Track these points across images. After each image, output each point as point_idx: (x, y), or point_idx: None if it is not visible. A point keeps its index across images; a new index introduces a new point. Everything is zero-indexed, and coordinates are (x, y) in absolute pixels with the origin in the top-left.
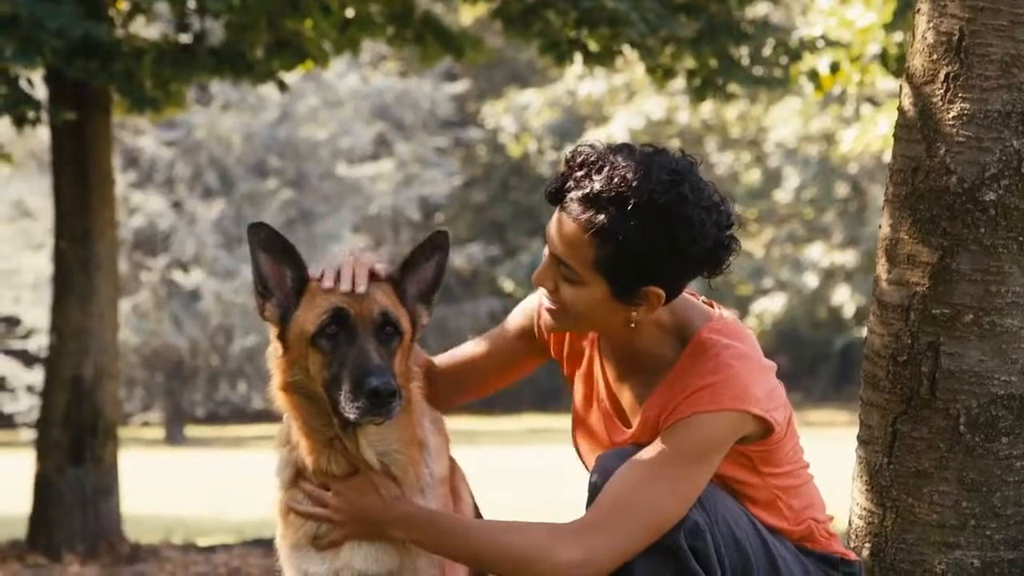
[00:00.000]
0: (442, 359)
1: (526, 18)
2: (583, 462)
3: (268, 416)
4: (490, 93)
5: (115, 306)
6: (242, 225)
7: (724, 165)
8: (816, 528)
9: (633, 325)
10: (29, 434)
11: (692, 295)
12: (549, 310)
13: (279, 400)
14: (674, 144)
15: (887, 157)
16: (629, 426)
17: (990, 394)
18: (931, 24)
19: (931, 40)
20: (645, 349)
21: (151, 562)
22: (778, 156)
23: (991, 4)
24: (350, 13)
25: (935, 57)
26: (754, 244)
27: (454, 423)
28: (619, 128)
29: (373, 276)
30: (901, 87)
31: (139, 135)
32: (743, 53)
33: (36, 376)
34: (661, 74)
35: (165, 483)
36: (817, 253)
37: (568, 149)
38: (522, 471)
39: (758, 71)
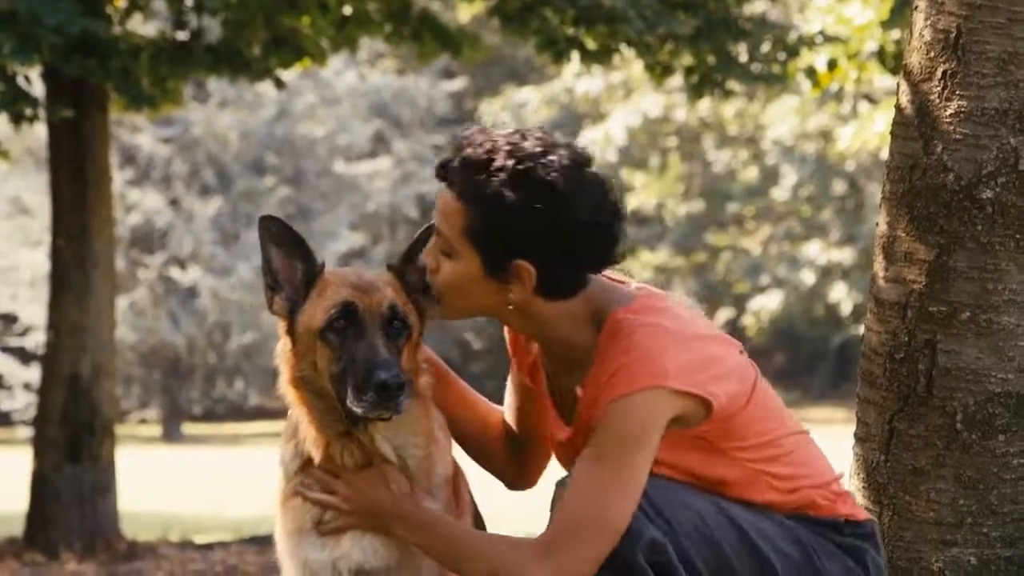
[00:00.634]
0: (510, 424)
1: (523, 15)
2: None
3: (265, 413)
4: (488, 91)
5: (112, 303)
6: (239, 222)
7: (721, 162)
8: (815, 495)
9: (511, 307)
10: (26, 432)
11: (620, 281)
12: (436, 293)
13: (288, 395)
14: (672, 142)
15: (884, 155)
16: (570, 423)
17: (987, 392)
18: (928, 21)
19: (928, 37)
20: (561, 340)
21: (148, 560)
22: (775, 153)
23: (988, 2)
24: (348, 10)
25: (932, 54)
26: (751, 241)
27: None
28: (617, 125)
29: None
30: (898, 84)
31: (136, 132)
32: (741, 50)
33: (33, 373)
34: (659, 71)
35: (162, 481)
36: (814, 250)
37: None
38: None
39: (756, 68)
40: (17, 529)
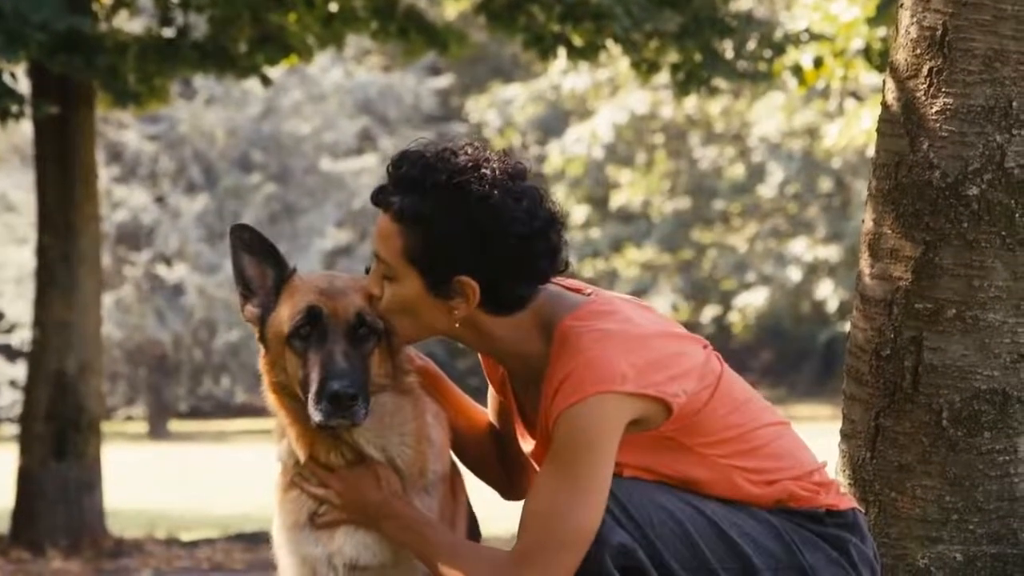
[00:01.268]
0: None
1: (510, 12)
2: None
3: (251, 411)
4: (474, 88)
5: (98, 300)
6: (226, 219)
7: (708, 160)
8: (794, 487)
9: (459, 325)
10: (12, 429)
11: (570, 289)
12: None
13: (270, 401)
14: (659, 139)
15: (871, 152)
16: (534, 437)
17: (973, 389)
18: (914, 19)
19: (914, 35)
20: (514, 354)
21: (134, 556)
22: (762, 151)
23: None
24: (334, 7)
25: (918, 52)
26: (738, 238)
27: None
28: (603, 123)
29: None
30: (884, 82)
31: (122, 129)
32: (727, 47)
33: (19, 370)
34: (645, 68)
35: (148, 478)
36: (801, 248)
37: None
38: None
39: (742, 65)
40: (3, 526)
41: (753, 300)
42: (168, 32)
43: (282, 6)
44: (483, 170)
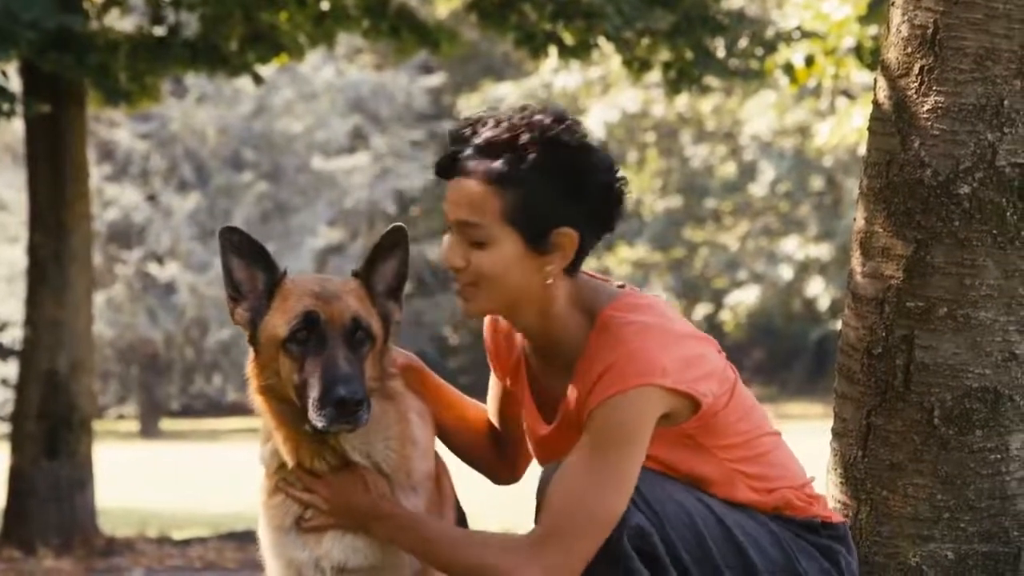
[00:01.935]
0: (492, 419)
1: (502, 11)
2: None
3: (243, 409)
4: (466, 86)
5: (90, 299)
6: (217, 218)
7: (699, 158)
8: (792, 495)
9: (550, 281)
10: (3, 427)
11: (603, 280)
12: (463, 292)
13: (257, 403)
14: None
15: (862, 150)
16: (551, 421)
17: (964, 387)
18: (906, 17)
19: (905, 33)
20: (560, 333)
21: (126, 555)
22: (753, 149)
23: None
24: (325, 6)
25: (910, 50)
26: (729, 237)
27: None
28: (594, 121)
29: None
30: (876, 80)
31: (114, 128)
32: (719, 46)
33: (10, 369)
34: (637, 67)
35: (140, 476)
36: (792, 246)
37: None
38: None
39: (733, 64)
40: None
41: (744, 298)
42: (159, 30)
43: (273, 4)
44: (567, 122)
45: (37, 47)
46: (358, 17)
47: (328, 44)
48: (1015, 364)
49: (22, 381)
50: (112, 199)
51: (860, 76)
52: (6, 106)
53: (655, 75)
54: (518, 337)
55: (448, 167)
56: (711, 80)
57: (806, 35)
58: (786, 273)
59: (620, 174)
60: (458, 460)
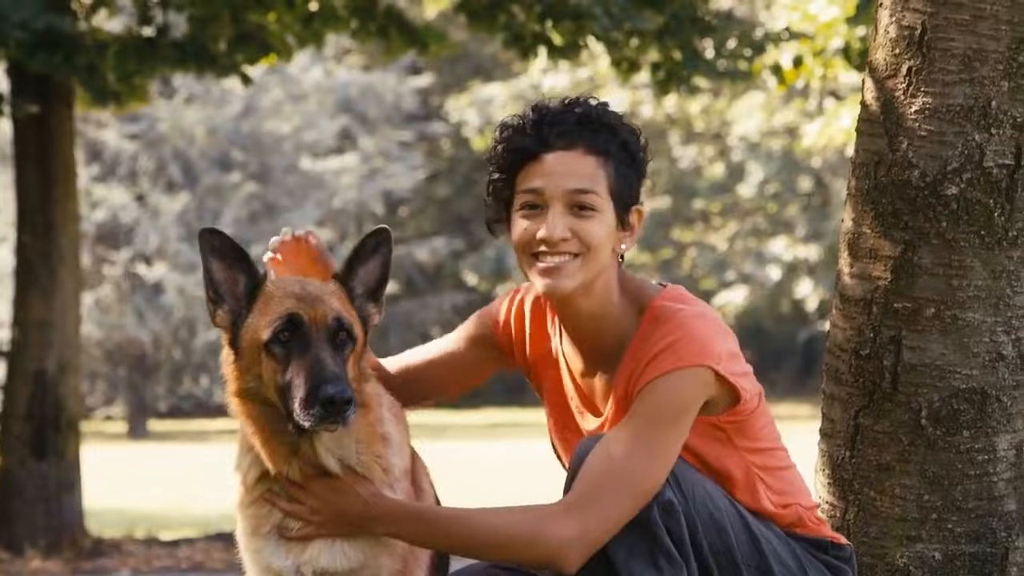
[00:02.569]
0: (392, 365)
1: (490, 11)
2: (564, 465)
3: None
4: (454, 87)
5: (78, 299)
6: (205, 218)
7: (688, 159)
8: (804, 514)
9: (622, 256)
10: None
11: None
12: (562, 268)
13: (234, 407)
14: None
15: (850, 151)
16: (600, 414)
17: (951, 388)
18: (893, 18)
19: (893, 34)
20: (611, 319)
21: (113, 556)
22: (741, 150)
23: None
24: (314, 6)
25: (897, 51)
26: (717, 238)
27: (419, 417)
28: None
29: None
30: (864, 81)
31: (102, 128)
32: (707, 46)
33: None
34: (625, 67)
35: (128, 477)
36: (780, 247)
37: (504, 121)
38: (488, 466)
39: (722, 64)
40: None
41: (733, 299)
42: (147, 31)
43: (262, 5)
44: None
45: (25, 47)
46: (346, 18)
47: (316, 45)
48: (1002, 365)
49: (10, 382)
50: (100, 200)
51: (848, 77)
52: None
53: (644, 76)
54: (553, 340)
55: (539, 144)
56: (699, 81)
57: (794, 36)
58: (774, 274)
59: None
60: (443, 460)
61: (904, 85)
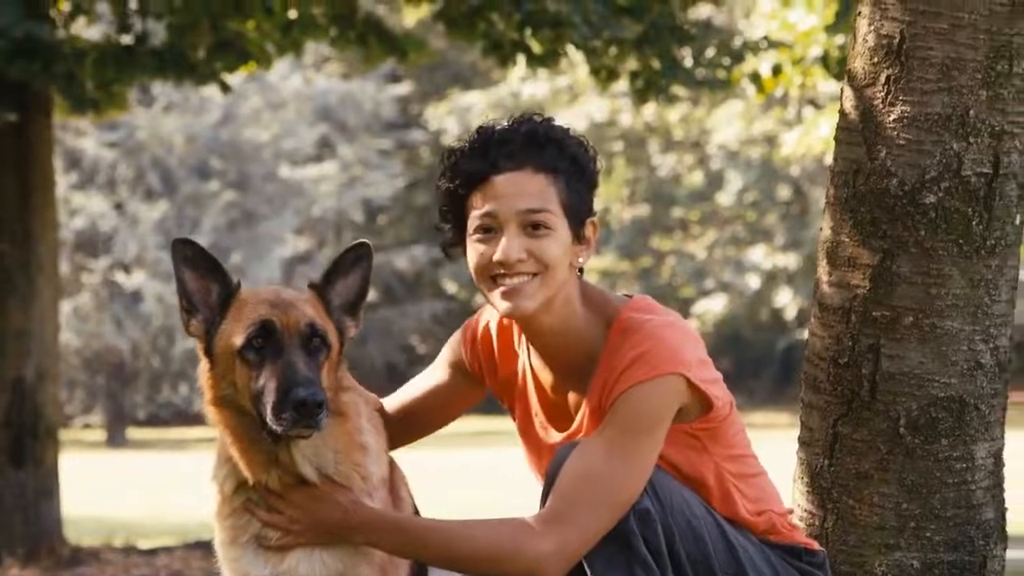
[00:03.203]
0: (390, 404)
1: (469, 20)
2: (540, 480)
3: None
4: (433, 95)
5: (56, 308)
6: (184, 227)
7: (667, 167)
8: (778, 520)
9: (581, 268)
10: None
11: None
12: (522, 288)
13: (211, 416)
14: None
15: (829, 160)
16: (564, 429)
17: (930, 396)
18: (872, 27)
19: (872, 43)
20: (576, 333)
21: (92, 565)
22: (720, 158)
23: (931, 8)
24: (293, 14)
25: (876, 60)
26: (696, 246)
27: None
28: None
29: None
30: (842, 90)
31: (81, 136)
32: (686, 55)
33: None
34: (604, 76)
35: (106, 485)
36: (759, 255)
37: (450, 146)
38: (467, 474)
39: (701, 73)
40: None
41: (712, 307)
42: (126, 39)
43: (241, 13)
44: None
45: (3, 55)
46: (326, 26)
47: (296, 53)
48: (980, 373)
49: None
50: (79, 208)
51: (827, 86)
52: None
53: (622, 84)
54: (520, 356)
55: (488, 167)
56: (678, 89)
57: (773, 45)
58: (753, 282)
59: None
60: (422, 469)
61: (883, 94)
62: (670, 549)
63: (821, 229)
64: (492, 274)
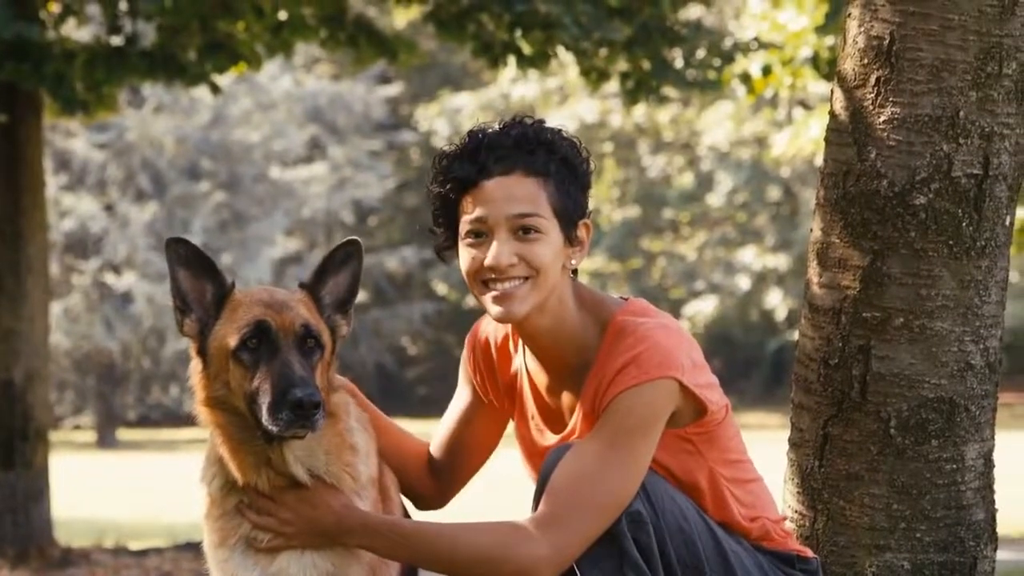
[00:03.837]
0: (433, 449)
1: (459, 21)
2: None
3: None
4: (423, 96)
5: (46, 309)
6: (175, 228)
7: (657, 168)
8: (771, 527)
9: (575, 271)
10: None
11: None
12: (513, 292)
13: (202, 416)
14: (608, 148)
15: (819, 161)
16: (559, 432)
17: (920, 397)
18: (862, 28)
19: (862, 44)
20: (570, 335)
21: (82, 566)
22: (711, 159)
23: (921, 9)
24: (283, 15)
25: (866, 61)
26: (687, 247)
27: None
28: None
29: None
30: (832, 91)
31: (71, 137)
32: (676, 56)
33: None
34: (594, 77)
35: (97, 487)
36: (749, 256)
37: (441, 150)
38: None
39: (691, 74)
40: None
41: (702, 308)
42: (116, 40)
43: (231, 14)
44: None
45: None
46: (316, 27)
47: (286, 54)
48: (971, 374)
49: None
50: (69, 209)
51: (817, 87)
52: None
53: (613, 85)
54: (516, 358)
55: (477, 171)
56: (669, 90)
57: (763, 46)
58: (743, 283)
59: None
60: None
61: (872, 95)
62: (661, 552)
63: (811, 230)
64: (484, 279)
